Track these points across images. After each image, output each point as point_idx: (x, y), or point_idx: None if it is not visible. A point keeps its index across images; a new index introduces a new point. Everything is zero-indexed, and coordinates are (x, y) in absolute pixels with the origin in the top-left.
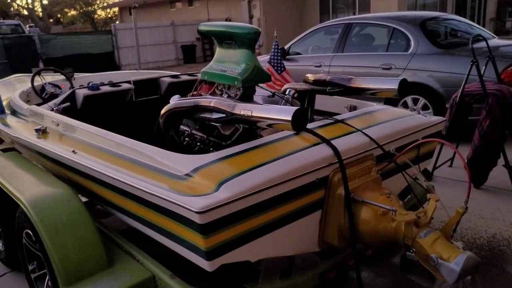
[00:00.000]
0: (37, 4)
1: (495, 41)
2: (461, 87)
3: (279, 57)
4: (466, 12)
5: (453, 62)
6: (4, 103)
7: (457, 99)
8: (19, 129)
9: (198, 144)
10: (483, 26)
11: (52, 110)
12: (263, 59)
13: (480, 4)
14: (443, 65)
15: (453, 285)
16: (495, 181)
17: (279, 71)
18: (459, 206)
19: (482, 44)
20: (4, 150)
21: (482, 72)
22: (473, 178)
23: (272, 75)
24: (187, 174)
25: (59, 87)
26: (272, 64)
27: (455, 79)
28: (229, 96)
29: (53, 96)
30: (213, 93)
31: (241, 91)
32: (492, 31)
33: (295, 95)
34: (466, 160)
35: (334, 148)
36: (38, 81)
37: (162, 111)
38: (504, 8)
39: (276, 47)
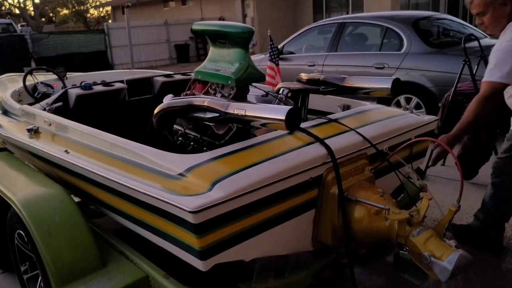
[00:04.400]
0: (29, 3)
1: (487, 41)
2: (454, 86)
3: (274, 53)
4: (459, 11)
5: (446, 62)
6: None
7: (450, 98)
8: (11, 129)
9: (192, 143)
10: (475, 25)
11: (44, 109)
12: (257, 59)
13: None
14: (436, 65)
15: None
16: (487, 179)
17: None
18: (451, 204)
19: (474, 43)
20: None
21: (474, 71)
22: (464, 171)
23: (272, 69)
24: (180, 174)
25: (52, 87)
26: (273, 61)
27: (448, 78)
28: (222, 96)
29: (45, 95)
30: (207, 93)
31: (235, 90)
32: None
33: (289, 95)
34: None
35: (327, 147)
36: (30, 81)
37: (156, 111)
38: None
39: (271, 45)
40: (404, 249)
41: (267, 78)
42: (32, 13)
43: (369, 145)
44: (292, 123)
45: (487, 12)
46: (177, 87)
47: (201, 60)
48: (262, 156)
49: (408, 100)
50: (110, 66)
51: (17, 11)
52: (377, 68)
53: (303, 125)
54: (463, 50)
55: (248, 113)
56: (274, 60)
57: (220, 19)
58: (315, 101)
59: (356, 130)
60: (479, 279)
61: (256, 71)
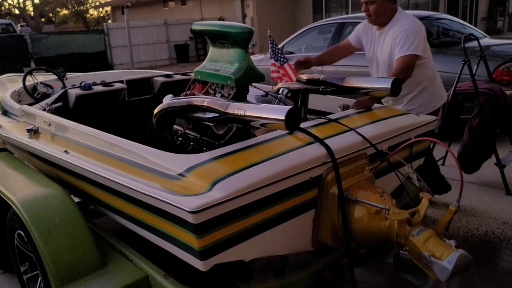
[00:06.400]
0: (28, 3)
1: (487, 41)
2: (453, 86)
3: (278, 51)
4: (458, 11)
5: (445, 61)
6: None
7: (449, 98)
8: (11, 129)
9: (192, 143)
10: (475, 25)
11: (44, 110)
12: (257, 59)
13: (472, 3)
14: (435, 64)
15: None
16: (486, 179)
17: (281, 63)
18: (451, 204)
19: (474, 43)
20: None
21: (474, 71)
22: (464, 167)
23: (275, 67)
24: (180, 174)
25: (51, 87)
26: (275, 59)
27: (447, 78)
28: (222, 96)
29: (45, 96)
30: (206, 93)
31: (235, 90)
32: (483, 31)
33: (289, 95)
34: (457, 156)
35: (327, 147)
36: (29, 81)
37: (155, 111)
38: (495, 7)
39: (272, 43)
40: (404, 249)
41: (272, 74)
42: (32, 13)
43: (369, 145)
44: (292, 123)
45: (374, 2)
46: (177, 87)
47: (200, 60)
48: (262, 156)
49: None
50: (109, 66)
51: (16, 12)
52: None
53: (303, 125)
54: (462, 50)
55: (247, 113)
56: (279, 59)
57: (219, 19)
58: (315, 101)
59: (356, 130)
60: (479, 279)
61: (255, 71)
